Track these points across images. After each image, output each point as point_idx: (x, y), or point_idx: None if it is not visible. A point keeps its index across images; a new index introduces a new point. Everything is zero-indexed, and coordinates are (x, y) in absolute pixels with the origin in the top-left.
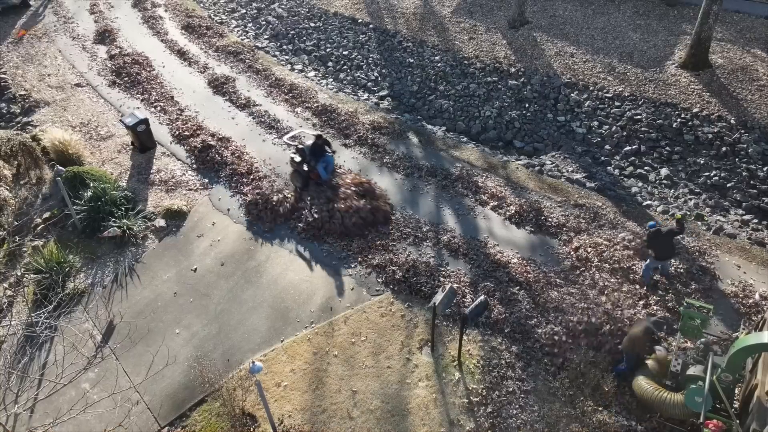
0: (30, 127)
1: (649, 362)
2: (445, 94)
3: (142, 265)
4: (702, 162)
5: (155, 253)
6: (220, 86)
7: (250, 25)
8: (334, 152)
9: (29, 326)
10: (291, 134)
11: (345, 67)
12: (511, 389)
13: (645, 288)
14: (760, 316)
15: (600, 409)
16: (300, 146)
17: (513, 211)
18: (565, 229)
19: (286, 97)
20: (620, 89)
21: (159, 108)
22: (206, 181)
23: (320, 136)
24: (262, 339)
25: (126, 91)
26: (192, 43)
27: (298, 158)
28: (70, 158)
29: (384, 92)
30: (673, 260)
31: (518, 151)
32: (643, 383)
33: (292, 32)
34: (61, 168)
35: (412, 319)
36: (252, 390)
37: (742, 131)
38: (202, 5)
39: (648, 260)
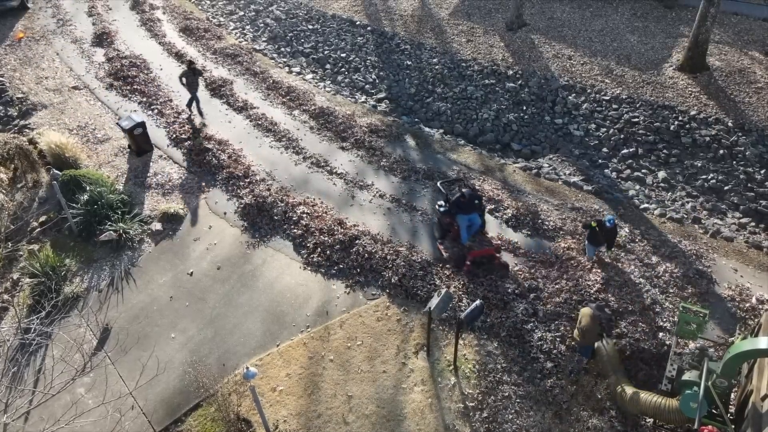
0: (27, 130)
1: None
2: (442, 96)
3: (138, 268)
4: (699, 165)
5: (151, 256)
6: (217, 89)
7: (248, 27)
8: (483, 212)
9: (23, 332)
10: (446, 181)
11: (343, 69)
12: (506, 394)
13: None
14: (756, 320)
15: (595, 414)
16: (449, 195)
17: (510, 214)
18: (562, 232)
19: (284, 99)
20: (618, 92)
21: (156, 111)
22: (203, 184)
23: (465, 195)
24: (257, 343)
25: (123, 94)
26: (190, 45)
27: (442, 207)
28: (66, 161)
29: (382, 94)
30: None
31: (516, 153)
32: (632, 394)
33: (290, 34)
34: (57, 171)
35: (408, 324)
36: (247, 395)
37: (740, 134)
38: (200, 7)
39: (589, 244)
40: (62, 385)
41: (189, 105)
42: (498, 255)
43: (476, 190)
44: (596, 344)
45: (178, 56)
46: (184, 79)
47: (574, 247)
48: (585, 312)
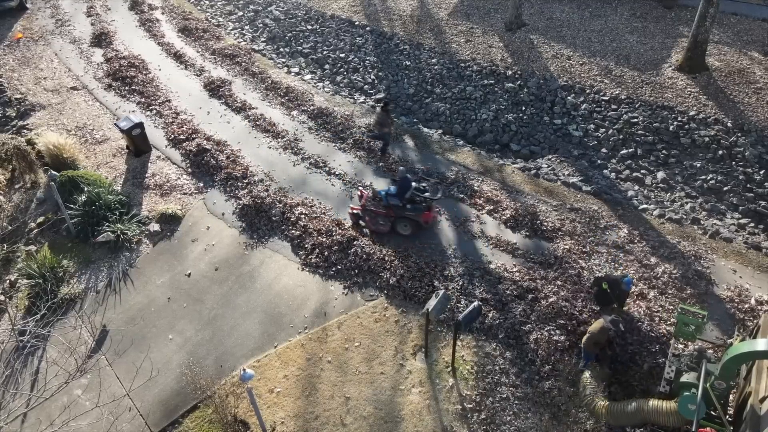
0: (25, 131)
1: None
2: (441, 96)
3: (136, 269)
4: (698, 165)
5: (149, 257)
6: (216, 89)
7: (247, 27)
8: (397, 192)
9: (19, 334)
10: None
11: (342, 69)
12: (504, 395)
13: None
14: (755, 321)
15: (593, 416)
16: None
17: (508, 215)
18: (560, 233)
19: (282, 100)
20: (617, 92)
21: (154, 111)
22: (201, 185)
23: (400, 176)
24: (255, 344)
25: (122, 94)
26: (188, 45)
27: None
28: (64, 162)
29: (380, 95)
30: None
31: (514, 154)
32: (617, 405)
33: (289, 35)
34: (54, 172)
35: (406, 325)
36: (245, 396)
37: (739, 134)
38: (199, 8)
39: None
40: (56, 387)
41: (384, 150)
42: (362, 221)
43: (407, 184)
44: (584, 373)
45: (177, 56)
46: (381, 127)
47: (573, 248)
48: (598, 321)
